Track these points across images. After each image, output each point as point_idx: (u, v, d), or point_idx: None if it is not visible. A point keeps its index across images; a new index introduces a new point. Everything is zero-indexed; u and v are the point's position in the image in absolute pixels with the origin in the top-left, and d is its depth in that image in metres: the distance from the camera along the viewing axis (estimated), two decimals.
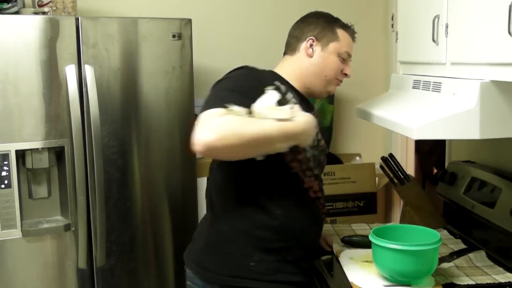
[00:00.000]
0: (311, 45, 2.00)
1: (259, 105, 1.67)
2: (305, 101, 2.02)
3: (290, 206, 1.90)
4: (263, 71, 2.02)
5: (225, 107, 1.63)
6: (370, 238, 1.85)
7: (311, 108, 2.02)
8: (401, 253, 1.77)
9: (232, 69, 1.97)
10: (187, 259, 2.02)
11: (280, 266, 1.89)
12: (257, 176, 1.86)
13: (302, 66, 2.01)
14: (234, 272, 1.87)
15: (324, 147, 2.08)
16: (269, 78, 1.95)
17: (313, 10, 3.48)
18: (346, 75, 2.06)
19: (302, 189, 1.94)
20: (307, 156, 1.93)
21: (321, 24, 2.03)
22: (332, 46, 2.00)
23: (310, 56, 2.00)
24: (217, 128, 1.56)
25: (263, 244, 1.87)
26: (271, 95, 1.71)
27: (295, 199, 1.92)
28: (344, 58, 2.02)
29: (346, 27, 2.07)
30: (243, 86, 1.81)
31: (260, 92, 1.73)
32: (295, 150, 1.84)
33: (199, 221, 2.79)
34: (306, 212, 1.96)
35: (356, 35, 2.11)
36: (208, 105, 1.68)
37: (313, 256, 2.07)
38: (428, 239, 1.83)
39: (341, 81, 2.07)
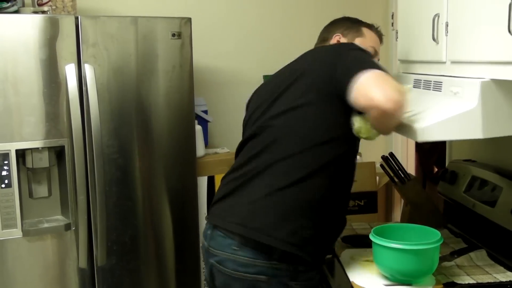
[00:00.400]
0: (337, 41, 2.13)
1: None
2: None
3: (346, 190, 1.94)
4: None
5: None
6: (371, 237, 1.84)
7: None
8: (402, 252, 1.76)
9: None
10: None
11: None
12: (345, 157, 1.87)
13: None
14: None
15: None
16: None
17: (313, 9, 3.50)
18: None
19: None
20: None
21: (347, 23, 2.18)
22: (358, 41, 2.10)
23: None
24: (402, 94, 1.62)
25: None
26: None
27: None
28: (371, 53, 2.05)
29: (372, 27, 2.19)
30: None
31: None
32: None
33: (199, 220, 2.80)
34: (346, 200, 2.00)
35: (383, 37, 2.22)
36: (374, 66, 1.69)
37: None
38: (429, 238, 1.82)
39: None
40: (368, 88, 1.63)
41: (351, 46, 1.90)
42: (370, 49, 2.08)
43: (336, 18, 2.30)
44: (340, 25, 2.21)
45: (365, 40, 2.12)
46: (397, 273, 1.81)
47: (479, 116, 1.63)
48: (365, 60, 1.75)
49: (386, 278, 1.86)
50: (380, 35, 2.22)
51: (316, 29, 3.51)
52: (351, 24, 2.19)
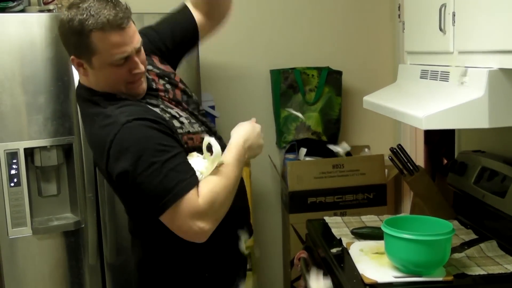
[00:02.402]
0: (79, 65, 1.67)
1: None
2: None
3: None
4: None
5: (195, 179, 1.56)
6: (383, 228, 1.84)
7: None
8: (415, 243, 1.77)
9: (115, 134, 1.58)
10: None
11: None
12: None
13: (90, 81, 1.70)
14: None
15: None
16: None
17: (320, 2, 3.48)
18: (137, 73, 1.68)
19: None
20: None
21: (71, 39, 1.62)
22: (97, 62, 1.62)
23: (86, 76, 1.69)
24: (210, 213, 1.57)
25: None
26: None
27: None
28: (122, 64, 1.63)
29: (99, 27, 1.57)
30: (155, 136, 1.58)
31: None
32: None
33: None
34: None
35: (123, 14, 1.60)
36: (168, 187, 1.52)
37: None
38: (441, 229, 1.82)
39: (139, 77, 1.70)
40: None
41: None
42: (118, 61, 1.62)
43: (60, 29, 1.65)
44: (67, 43, 1.66)
45: (101, 56, 1.60)
46: (410, 263, 1.81)
47: (485, 105, 1.62)
48: (156, 181, 1.54)
49: (397, 269, 1.85)
50: (118, 25, 1.58)
51: (323, 23, 3.51)
52: (77, 37, 1.59)
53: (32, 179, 2.51)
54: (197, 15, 2.02)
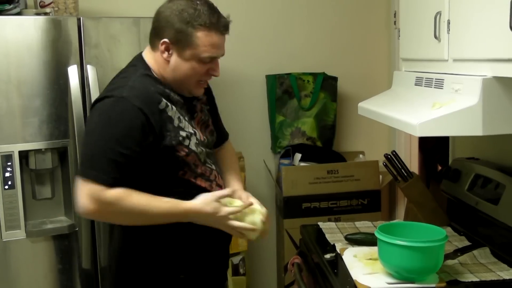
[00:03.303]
0: (166, 49, 1.82)
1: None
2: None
3: None
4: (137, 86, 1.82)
5: (109, 179, 1.70)
6: (376, 234, 1.85)
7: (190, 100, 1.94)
8: (408, 249, 1.77)
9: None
10: None
11: None
12: None
13: (163, 67, 1.86)
14: None
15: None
16: (151, 93, 1.82)
17: (315, 8, 3.49)
18: (213, 75, 1.90)
19: None
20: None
21: (176, 25, 1.79)
22: (189, 53, 1.80)
23: (167, 60, 1.84)
24: (102, 213, 1.75)
25: None
26: None
27: None
28: (207, 62, 1.84)
29: (207, 25, 1.79)
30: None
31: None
32: None
33: None
34: None
35: (225, 22, 1.85)
36: (95, 167, 1.72)
37: None
38: (434, 236, 1.83)
39: (209, 80, 1.93)
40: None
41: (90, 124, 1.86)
42: (205, 59, 1.82)
43: (163, 7, 1.83)
44: (169, 23, 1.80)
45: (198, 51, 1.80)
46: (403, 270, 1.81)
47: (479, 113, 1.63)
48: (91, 157, 1.77)
49: (390, 275, 1.85)
50: (221, 29, 1.83)
51: (319, 29, 3.53)
52: (181, 25, 1.78)
53: (27, 182, 2.50)
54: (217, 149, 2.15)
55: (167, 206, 1.77)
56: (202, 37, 1.78)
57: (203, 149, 1.90)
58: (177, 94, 1.87)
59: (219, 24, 1.81)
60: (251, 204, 1.89)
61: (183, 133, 1.82)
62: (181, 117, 1.85)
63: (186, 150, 1.82)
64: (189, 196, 1.82)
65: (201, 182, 1.87)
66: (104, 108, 1.77)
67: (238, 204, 1.86)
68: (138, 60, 1.91)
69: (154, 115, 1.76)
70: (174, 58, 1.82)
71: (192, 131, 1.87)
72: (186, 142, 1.82)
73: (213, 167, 1.95)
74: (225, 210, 1.81)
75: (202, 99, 2.01)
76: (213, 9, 1.82)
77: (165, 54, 1.82)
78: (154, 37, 1.85)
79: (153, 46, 1.87)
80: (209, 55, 1.81)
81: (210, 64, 1.84)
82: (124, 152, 1.71)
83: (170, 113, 1.81)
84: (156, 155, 1.78)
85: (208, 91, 2.07)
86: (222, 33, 1.83)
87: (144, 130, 1.74)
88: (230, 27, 1.87)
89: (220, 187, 1.94)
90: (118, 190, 1.72)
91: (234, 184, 2.03)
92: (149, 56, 1.89)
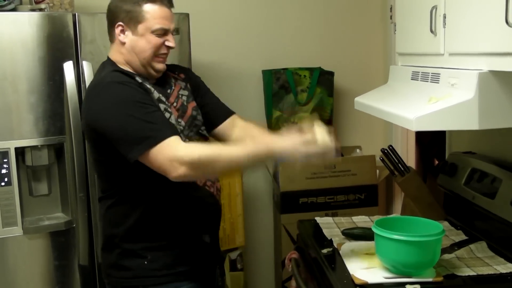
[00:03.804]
0: (122, 32, 1.94)
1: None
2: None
3: None
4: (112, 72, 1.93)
5: (167, 131, 1.77)
6: (373, 229, 1.85)
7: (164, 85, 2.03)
8: (405, 244, 1.77)
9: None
10: None
11: None
12: None
13: (125, 52, 1.95)
14: None
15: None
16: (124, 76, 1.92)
17: (312, 2, 3.49)
18: (169, 47, 1.98)
19: None
20: None
21: (124, 7, 1.92)
22: (142, 27, 1.91)
23: (124, 42, 1.94)
24: (193, 163, 1.73)
25: None
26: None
27: None
28: (160, 35, 1.93)
29: (151, 0, 1.91)
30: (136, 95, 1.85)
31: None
32: None
33: None
34: None
35: None
36: (145, 136, 1.76)
37: None
38: (431, 230, 1.83)
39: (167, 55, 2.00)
40: None
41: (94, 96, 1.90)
42: (158, 31, 1.91)
43: (110, 1, 1.99)
44: (119, 8, 1.94)
45: (148, 23, 1.91)
46: (400, 264, 1.81)
47: (475, 107, 1.63)
48: (140, 127, 1.81)
49: (387, 270, 1.86)
50: (167, 2, 1.96)
51: (315, 23, 3.52)
52: (130, 6, 1.91)
53: (23, 179, 2.50)
54: (228, 127, 2.18)
55: (250, 148, 1.84)
56: (150, 11, 1.90)
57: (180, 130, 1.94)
58: (147, 83, 1.94)
59: None
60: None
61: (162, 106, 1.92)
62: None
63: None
64: None
65: None
66: (102, 93, 1.86)
67: None
68: (105, 62, 2.02)
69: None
70: (130, 37, 1.93)
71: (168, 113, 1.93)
72: (167, 115, 1.91)
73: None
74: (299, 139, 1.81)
75: (176, 85, 2.07)
76: None
77: (121, 36, 1.93)
78: (110, 28, 1.98)
79: (111, 37, 1.99)
80: (160, 26, 1.91)
81: (164, 37, 1.94)
82: (152, 109, 1.82)
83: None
84: None
85: (189, 76, 2.17)
86: (167, 6, 1.95)
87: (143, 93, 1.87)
88: (176, 3, 2.01)
89: None
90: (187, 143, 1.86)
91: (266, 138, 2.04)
92: (112, 52, 2.00)
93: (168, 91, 2.02)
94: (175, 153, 1.72)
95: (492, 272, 1.87)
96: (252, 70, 3.42)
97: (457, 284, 1.82)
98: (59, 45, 2.45)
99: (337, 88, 3.47)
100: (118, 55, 1.97)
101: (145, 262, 1.92)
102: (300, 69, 3.32)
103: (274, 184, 3.34)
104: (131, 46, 1.93)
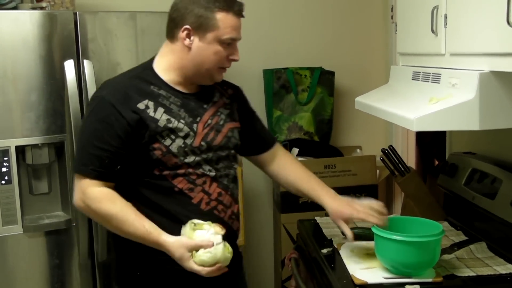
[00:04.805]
0: (188, 36, 1.84)
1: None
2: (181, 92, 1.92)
3: None
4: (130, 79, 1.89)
5: (95, 173, 1.78)
6: (373, 229, 1.85)
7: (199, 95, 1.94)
8: (404, 244, 1.78)
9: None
10: None
11: None
12: None
13: (182, 56, 1.87)
14: None
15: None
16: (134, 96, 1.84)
17: (311, 5, 3.48)
18: (233, 60, 1.92)
19: None
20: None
21: (195, 10, 1.82)
22: (211, 36, 1.83)
23: (189, 47, 1.85)
24: (89, 210, 1.81)
25: None
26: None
27: None
28: (228, 45, 1.86)
29: (225, 8, 1.82)
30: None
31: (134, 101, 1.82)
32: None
33: None
34: None
35: (240, 5, 1.88)
36: (81, 162, 1.82)
37: None
38: (430, 230, 1.83)
39: (228, 66, 1.94)
40: None
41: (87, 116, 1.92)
42: (227, 41, 1.84)
43: (183, 1, 1.86)
44: (189, 8, 1.83)
45: (218, 32, 1.82)
46: (399, 264, 1.82)
47: (476, 108, 1.63)
48: (81, 152, 1.87)
49: (387, 270, 1.86)
50: (239, 13, 1.87)
51: (316, 23, 3.52)
52: (203, 8, 1.81)
53: (23, 177, 2.50)
54: (266, 159, 2.17)
55: (141, 232, 1.76)
56: (222, 19, 1.81)
57: (194, 151, 1.86)
58: (178, 95, 1.88)
59: (235, 7, 1.85)
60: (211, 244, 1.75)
61: (164, 133, 1.81)
62: (172, 119, 1.82)
63: (164, 150, 1.81)
64: (170, 193, 1.84)
65: (180, 183, 1.84)
66: (89, 107, 1.90)
67: (206, 228, 1.77)
68: (147, 61, 1.96)
69: (131, 113, 1.79)
70: (196, 44, 1.84)
71: (183, 132, 1.84)
72: (167, 143, 1.81)
73: (211, 173, 1.89)
74: (189, 264, 1.73)
75: (219, 101, 1.99)
76: None
77: (187, 41, 1.83)
78: (174, 27, 1.86)
79: (172, 37, 1.88)
80: (230, 36, 1.84)
81: (230, 48, 1.87)
82: (101, 146, 1.78)
83: (152, 114, 1.81)
84: (135, 151, 1.81)
85: (237, 95, 2.12)
86: (239, 15, 1.86)
87: (121, 126, 1.78)
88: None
89: (208, 194, 1.87)
90: (103, 190, 1.80)
91: (323, 197, 2.07)
92: (166, 50, 1.91)
93: (205, 106, 1.93)
94: (84, 191, 1.79)
95: (492, 273, 1.87)
96: (252, 69, 3.42)
97: (457, 284, 1.83)
98: (60, 43, 2.45)
99: (338, 88, 3.47)
100: (170, 57, 1.89)
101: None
102: (301, 68, 3.32)
103: (274, 184, 3.34)
104: (196, 53, 1.84)
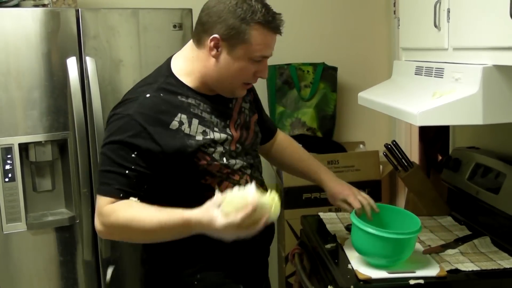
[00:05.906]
0: (215, 46, 1.69)
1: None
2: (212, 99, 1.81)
3: None
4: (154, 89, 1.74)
5: (118, 192, 1.64)
6: (351, 216, 1.91)
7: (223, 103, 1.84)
8: (376, 238, 1.82)
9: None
10: None
11: None
12: None
13: (205, 65, 1.74)
14: None
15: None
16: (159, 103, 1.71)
17: (313, 0, 3.47)
18: (260, 77, 1.81)
19: None
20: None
21: (229, 21, 1.67)
22: (241, 51, 1.69)
23: (215, 58, 1.71)
24: (110, 228, 1.66)
25: None
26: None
27: None
28: (257, 62, 1.73)
29: (262, 23, 1.68)
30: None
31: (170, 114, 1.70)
32: None
33: None
34: None
35: (280, 22, 1.75)
36: (104, 181, 1.68)
37: None
38: (408, 227, 1.87)
39: (254, 82, 1.84)
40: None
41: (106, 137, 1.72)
42: (257, 58, 1.71)
43: (213, 1, 1.71)
44: (222, 17, 1.67)
45: (250, 48, 1.68)
46: (367, 254, 1.89)
47: (480, 102, 1.63)
48: (104, 171, 1.69)
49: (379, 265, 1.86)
50: (276, 29, 1.74)
51: (318, 19, 3.51)
52: (236, 22, 1.66)
53: (27, 174, 2.50)
54: (269, 145, 2.18)
55: (164, 219, 1.58)
56: (257, 35, 1.67)
57: (233, 155, 1.80)
58: (205, 101, 1.78)
59: (274, 23, 1.71)
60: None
61: (206, 145, 1.72)
62: (207, 130, 1.74)
63: (208, 159, 1.72)
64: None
65: (226, 188, 1.71)
66: (111, 124, 1.71)
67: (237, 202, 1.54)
68: (164, 64, 1.84)
69: (166, 138, 1.67)
70: (224, 56, 1.70)
71: (221, 140, 1.76)
72: (210, 151, 1.74)
73: (248, 171, 1.84)
74: (221, 221, 1.51)
75: (238, 98, 1.90)
76: (267, 7, 1.73)
77: (214, 52, 1.69)
78: (202, 32, 1.71)
79: (199, 42, 1.73)
80: (261, 54, 1.71)
81: (258, 64, 1.74)
82: (127, 165, 1.64)
83: (187, 130, 1.71)
84: (173, 167, 1.69)
85: (251, 89, 1.99)
86: (275, 32, 1.73)
87: (148, 148, 1.65)
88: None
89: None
90: (119, 202, 1.64)
91: (323, 177, 2.11)
92: (189, 55, 1.78)
93: (230, 105, 1.85)
94: (100, 212, 1.65)
95: (496, 267, 1.87)
96: None
97: (461, 279, 1.82)
98: (62, 41, 2.45)
99: (341, 84, 3.46)
100: (194, 63, 1.76)
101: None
102: (304, 64, 3.31)
103: (278, 180, 3.34)
104: (222, 66, 1.71)
